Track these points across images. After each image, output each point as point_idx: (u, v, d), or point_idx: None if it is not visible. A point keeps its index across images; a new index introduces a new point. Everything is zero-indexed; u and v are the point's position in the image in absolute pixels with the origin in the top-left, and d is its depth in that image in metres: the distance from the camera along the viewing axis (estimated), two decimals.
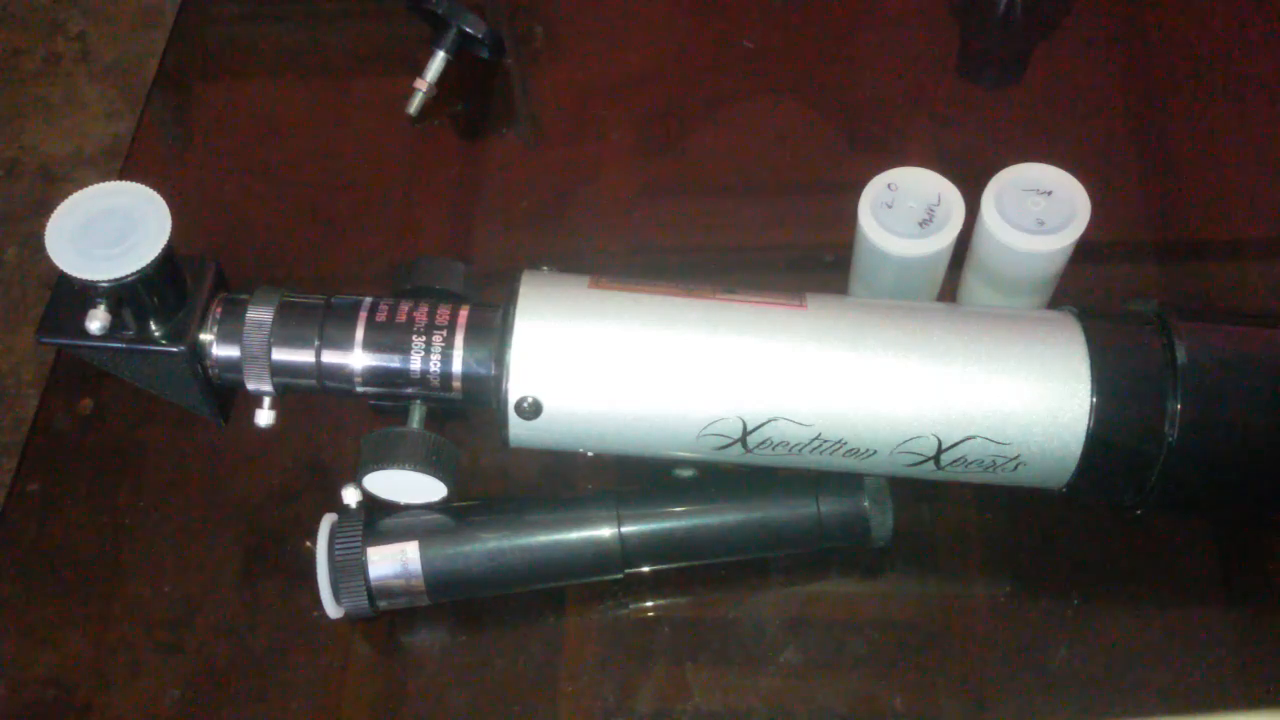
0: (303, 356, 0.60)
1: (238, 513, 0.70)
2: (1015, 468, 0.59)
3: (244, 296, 0.60)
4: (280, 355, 0.60)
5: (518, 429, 0.59)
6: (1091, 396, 0.57)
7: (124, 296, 0.57)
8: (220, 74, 0.91)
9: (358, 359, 0.59)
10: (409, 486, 0.61)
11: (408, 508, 0.63)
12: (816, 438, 0.58)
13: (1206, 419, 0.57)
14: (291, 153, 0.86)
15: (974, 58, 0.87)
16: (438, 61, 0.83)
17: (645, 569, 0.64)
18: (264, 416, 0.62)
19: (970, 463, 0.59)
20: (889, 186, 0.65)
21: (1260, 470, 0.59)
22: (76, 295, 0.57)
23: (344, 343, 0.59)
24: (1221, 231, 0.78)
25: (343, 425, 0.72)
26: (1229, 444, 0.58)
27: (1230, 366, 0.59)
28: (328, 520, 0.63)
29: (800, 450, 0.59)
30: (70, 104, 1.79)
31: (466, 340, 0.59)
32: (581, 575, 0.64)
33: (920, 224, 0.64)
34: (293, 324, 0.60)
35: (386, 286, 0.63)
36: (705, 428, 0.58)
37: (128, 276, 0.55)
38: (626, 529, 0.62)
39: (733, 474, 0.65)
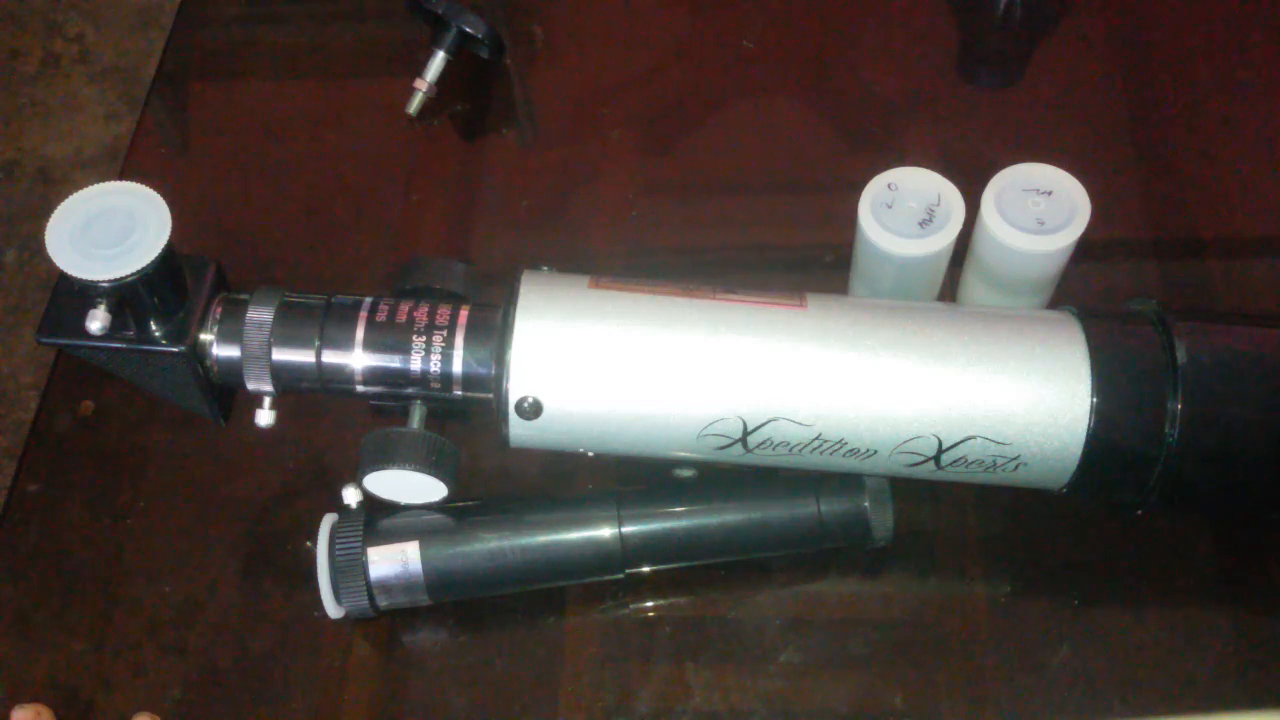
0: (303, 357, 0.60)
1: (238, 513, 0.70)
2: (1015, 468, 0.59)
3: (244, 296, 0.60)
4: (281, 355, 0.60)
5: (518, 429, 0.59)
6: (1092, 396, 0.57)
7: (124, 296, 0.57)
8: (220, 74, 0.91)
9: (358, 359, 0.59)
10: (409, 486, 0.61)
11: (408, 508, 0.63)
12: (817, 438, 0.58)
13: (1207, 419, 0.57)
14: (292, 153, 0.86)
15: (974, 58, 0.87)
16: (438, 61, 0.83)
17: (646, 569, 0.64)
18: (264, 417, 0.62)
19: (971, 463, 0.59)
20: (889, 186, 0.65)
21: (1261, 470, 0.59)
22: (77, 295, 0.57)
23: (344, 343, 0.59)
24: (1221, 231, 0.78)
25: (343, 425, 0.72)
26: (1229, 444, 0.58)
27: (1230, 366, 0.59)
28: (328, 520, 0.63)
29: (801, 450, 0.59)
30: (69, 106, 1.79)
31: (467, 340, 0.59)
32: (582, 575, 0.64)
33: (920, 224, 0.64)
34: (293, 324, 0.60)
35: (387, 286, 0.63)
36: (706, 428, 0.58)
37: (128, 276, 0.55)
38: (627, 529, 0.62)
39: (733, 474, 0.65)
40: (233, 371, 0.60)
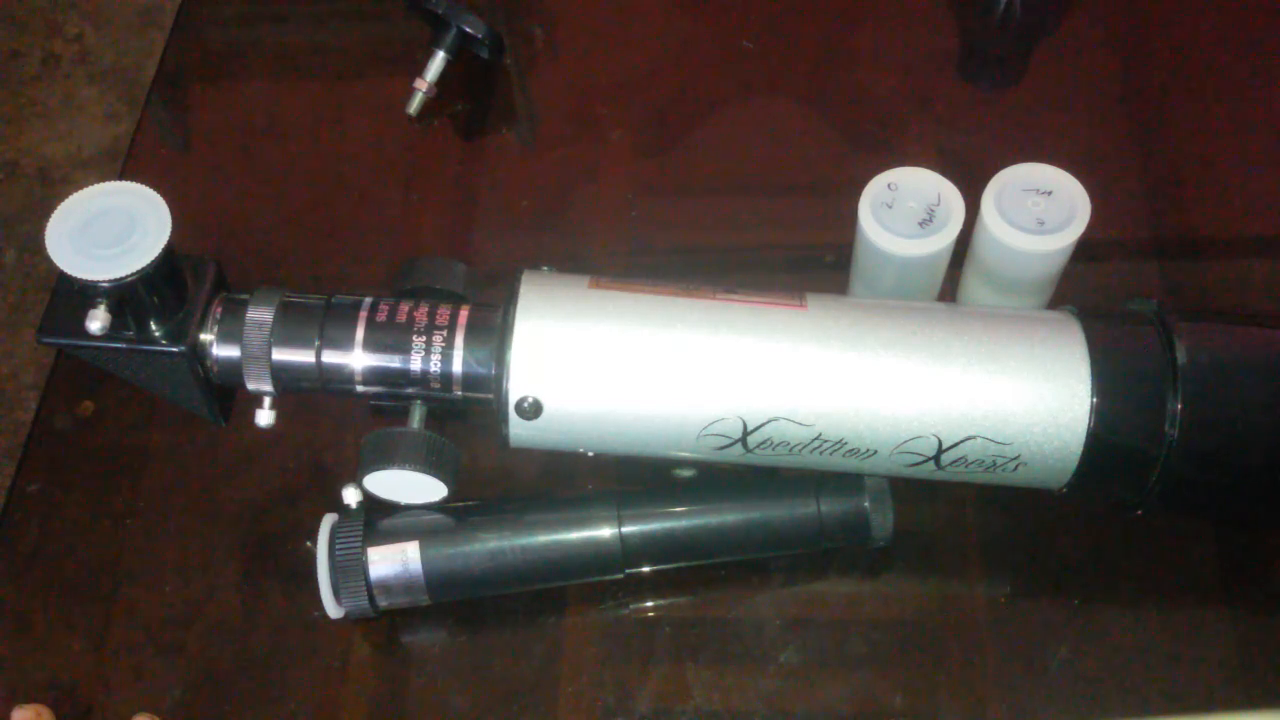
0: (303, 357, 0.60)
1: (238, 513, 0.70)
2: (1015, 468, 0.59)
3: (244, 296, 0.60)
4: (280, 355, 0.60)
5: (518, 429, 0.59)
6: (1091, 397, 0.57)
7: (124, 296, 0.57)
8: (220, 75, 0.91)
9: (358, 359, 0.59)
10: (409, 486, 0.61)
11: (408, 508, 0.63)
12: (817, 438, 0.58)
13: (1207, 419, 0.57)
14: (291, 153, 0.86)
15: (974, 58, 0.87)
16: (438, 61, 0.83)
17: (645, 569, 0.64)
18: (264, 417, 0.62)
19: (970, 463, 0.59)
20: (889, 186, 0.65)
21: (1261, 470, 0.59)
22: (76, 295, 0.57)
23: (344, 343, 0.59)
24: (1221, 231, 0.78)
25: (343, 425, 0.72)
26: (1229, 444, 0.58)
27: (1230, 366, 0.59)
28: (328, 520, 0.63)
29: (800, 450, 0.59)
30: (69, 106, 1.79)
31: (467, 340, 0.59)
32: (582, 575, 0.64)
33: (920, 224, 0.64)
34: (293, 324, 0.60)
35: (387, 286, 0.63)
36: (705, 428, 0.58)
37: (128, 276, 0.55)
38: (627, 529, 0.62)
39: (733, 474, 0.65)
40: (233, 371, 0.60)
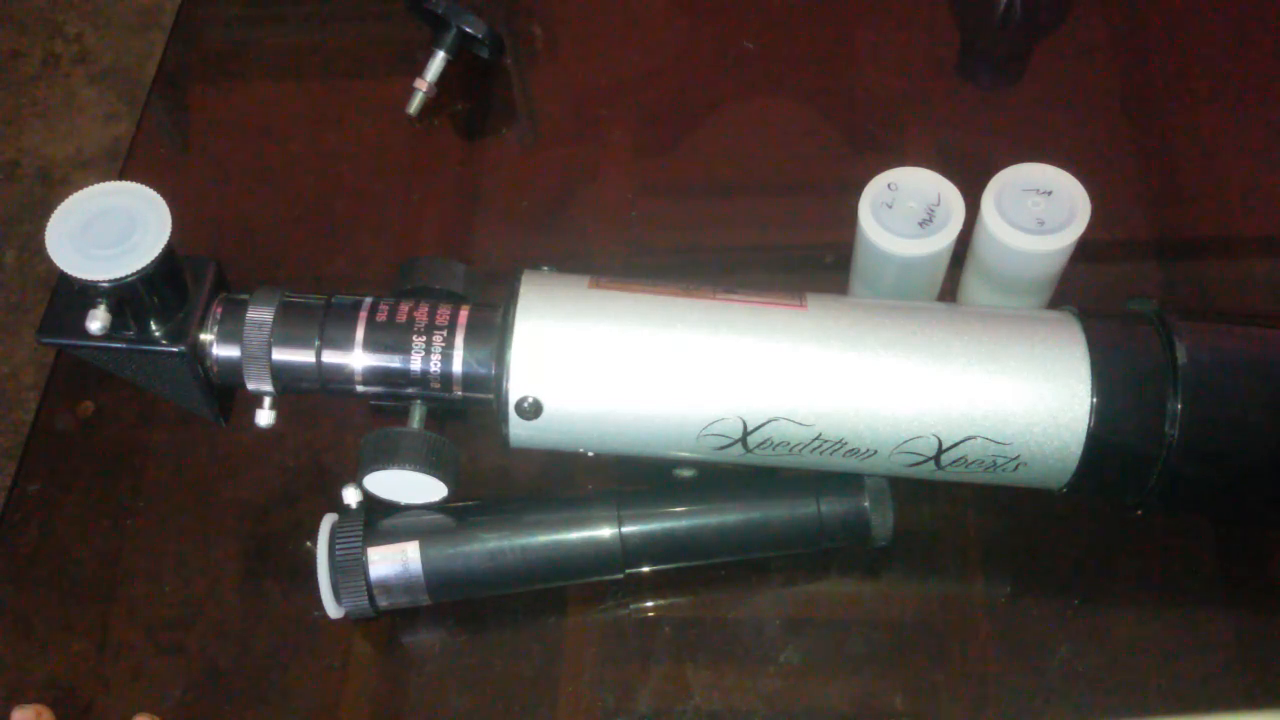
0: (303, 357, 0.60)
1: (238, 513, 0.70)
2: (1015, 468, 0.59)
3: (244, 296, 0.60)
4: (280, 355, 0.60)
5: (518, 429, 0.59)
6: (1092, 397, 0.57)
7: (124, 296, 0.57)
8: (220, 75, 0.91)
9: (358, 359, 0.59)
10: (409, 486, 0.61)
11: (408, 508, 0.63)
12: (817, 438, 0.58)
13: (1207, 418, 0.57)
14: (291, 153, 0.86)
15: (974, 58, 0.87)
16: (438, 61, 0.83)
17: (645, 569, 0.64)
18: (264, 417, 0.62)
19: (970, 463, 0.59)
20: (889, 186, 0.65)
21: (1261, 470, 0.59)
22: (77, 295, 0.57)
23: (344, 343, 0.59)
24: (1221, 231, 0.78)
25: (343, 425, 0.72)
26: (1229, 444, 0.58)
27: (1230, 366, 0.59)
28: (328, 520, 0.63)
29: (801, 450, 0.59)
30: (69, 106, 1.79)
31: (467, 340, 0.59)
32: (582, 575, 0.64)
33: (920, 224, 0.64)
34: (293, 324, 0.60)
35: (387, 286, 0.63)
36: (706, 428, 0.58)
37: (128, 276, 0.55)
38: (627, 529, 0.62)
39: (733, 474, 0.65)
40: (233, 371, 0.60)
